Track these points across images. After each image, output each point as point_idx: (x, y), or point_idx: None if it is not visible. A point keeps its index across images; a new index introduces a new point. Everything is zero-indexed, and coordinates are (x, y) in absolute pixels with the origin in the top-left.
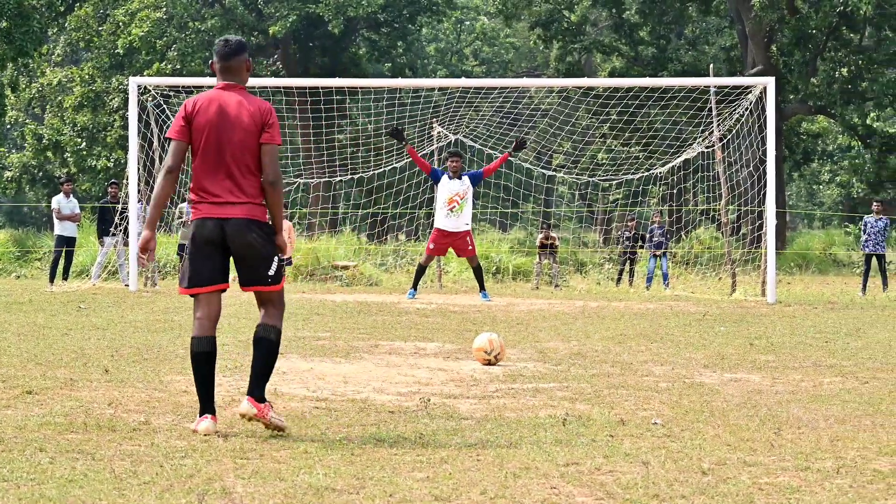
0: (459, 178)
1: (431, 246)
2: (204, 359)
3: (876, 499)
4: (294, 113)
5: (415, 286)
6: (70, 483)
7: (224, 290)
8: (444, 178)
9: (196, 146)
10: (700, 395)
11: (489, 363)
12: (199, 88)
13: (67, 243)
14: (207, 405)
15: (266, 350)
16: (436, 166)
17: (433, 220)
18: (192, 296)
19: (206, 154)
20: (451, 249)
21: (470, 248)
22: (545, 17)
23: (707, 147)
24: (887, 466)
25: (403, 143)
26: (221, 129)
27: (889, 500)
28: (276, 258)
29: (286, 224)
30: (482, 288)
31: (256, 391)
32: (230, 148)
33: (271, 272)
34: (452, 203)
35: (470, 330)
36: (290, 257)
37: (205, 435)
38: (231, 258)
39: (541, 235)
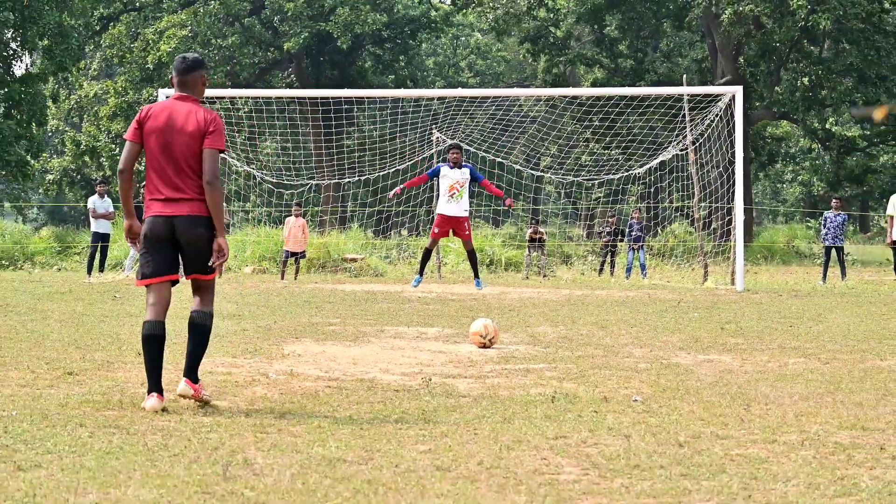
0: (460, 168)
1: (436, 230)
2: (155, 341)
3: (837, 468)
4: (307, 120)
5: (420, 272)
6: (107, 455)
7: (175, 282)
8: (445, 168)
9: (146, 149)
10: (676, 374)
11: (484, 346)
12: (221, 99)
13: (102, 239)
14: (155, 385)
15: (202, 334)
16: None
17: (433, 214)
18: (146, 286)
19: (154, 157)
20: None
21: (467, 232)
22: (533, 33)
23: (681, 150)
24: (847, 439)
25: (400, 193)
26: (168, 134)
27: (849, 470)
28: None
29: (300, 221)
30: (476, 275)
31: (192, 374)
32: (176, 151)
33: (210, 262)
34: (453, 190)
35: (467, 316)
36: (304, 251)
37: (153, 412)
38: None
39: (530, 230)
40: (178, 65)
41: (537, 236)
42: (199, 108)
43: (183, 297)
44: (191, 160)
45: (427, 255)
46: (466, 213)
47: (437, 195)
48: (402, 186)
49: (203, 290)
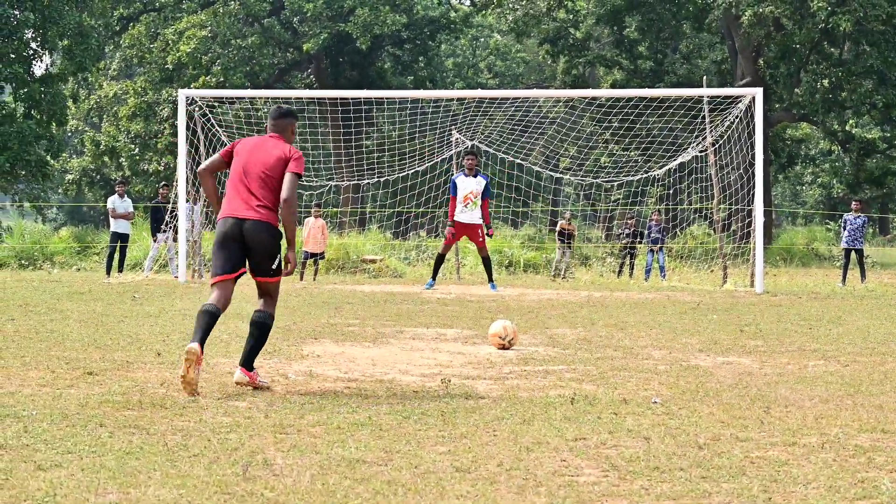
0: (475, 175)
1: (450, 236)
2: (208, 314)
3: (857, 471)
4: (326, 121)
5: (433, 276)
6: (127, 455)
7: (240, 276)
8: (460, 177)
9: (232, 167)
10: (695, 376)
11: (504, 347)
12: (241, 99)
13: (121, 239)
14: (199, 338)
15: (261, 330)
16: (453, 175)
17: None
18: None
19: (237, 172)
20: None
21: (481, 239)
22: (553, 34)
23: (700, 152)
24: (867, 442)
25: (455, 230)
26: (255, 155)
27: (870, 473)
28: (278, 257)
29: (319, 222)
30: (490, 279)
31: (248, 364)
32: (258, 169)
33: (273, 266)
34: (467, 200)
35: (485, 317)
36: (324, 252)
37: (186, 352)
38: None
39: (562, 221)
40: (273, 112)
41: (568, 229)
42: (285, 143)
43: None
44: (269, 179)
45: (440, 260)
46: (480, 221)
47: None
48: (450, 224)
49: (267, 293)
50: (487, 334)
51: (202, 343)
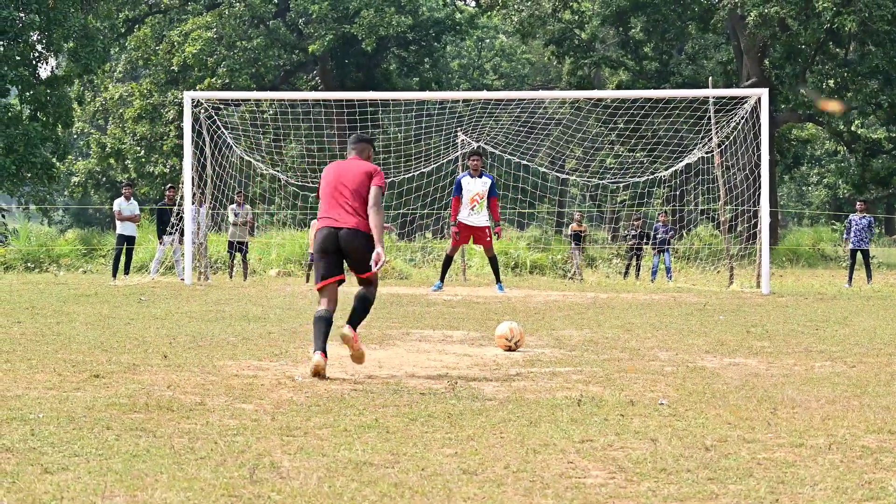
0: (480, 176)
1: (457, 237)
2: (325, 320)
3: (864, 472)
4: (332, 123)
5: (441, 279)
6: (134, 458)
7: (342, 282)
8: (466, 177)
9: (325, 185)
10: (702, 378)
11: (510, 349)
12: (246, 101)
13: (128, 241)
14: (321, 346)
15: (363, 304)
16: (457, 175)
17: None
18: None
19: (330, 188)
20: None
21: (488, 239)
22: (558, 36)
23: (706, 152)
24: (874, 443)
25: (458, 229)
26: (342, 175)
27: (876, 474)
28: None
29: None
30: (498, 280)
31: (355, 323)
32: (347, 185)
33: (370, 264)
34: (473, 202)
35: (492, 319)
36: None
37: (314, 365)
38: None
39: (574, 223)
40: (352, 139)
41: (581, 230)
42: (366, 161)
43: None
44: (358, 192)
45: (448, 261)
46: (488, 223)
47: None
48: (453, 223)
49: (367, 283)
50: (494, 336)
51: (324, 350)
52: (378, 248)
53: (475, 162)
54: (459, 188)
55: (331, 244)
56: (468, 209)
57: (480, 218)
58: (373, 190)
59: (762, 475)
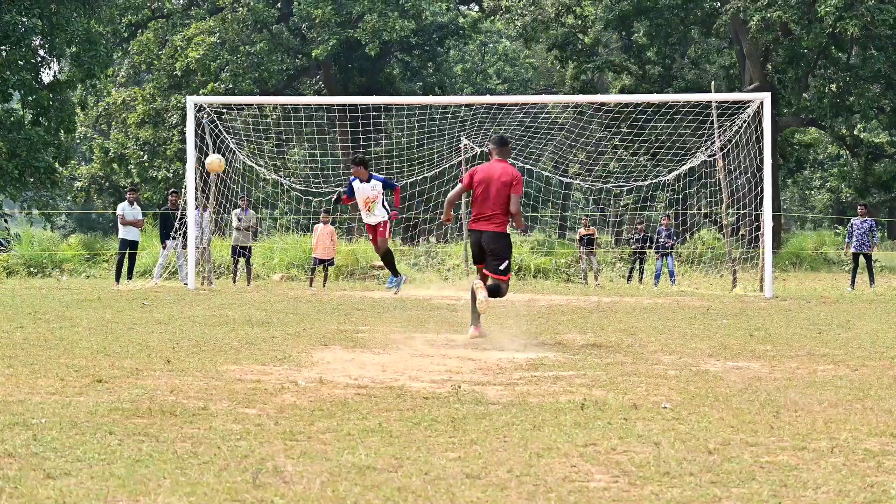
0: (368, 181)
1: (370, 237)
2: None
3: (867, 475)
4: (335, 127)
5: (395, 273)
6: (137, 463)
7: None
8: (356, 183)
9: (475, 190)
10: (705, 381)
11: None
12: (249, 106)
13: (131, 246)
14: (476, 320)
15: (495, 289)
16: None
17: (461, 224)
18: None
19: (479, 194)
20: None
21: (381, 229)
22: (561, 40)
23: (709, 156)
24: (877, 446)
25: (340, 201)
26: (489, 181)
27: (879, 477)
28: (509, 258)
29: (329, 228)
30: (394, 273)
31: (478, 321)
32: (492, 192)
33: (502, 267)
34: (367, 205)
35: (496, 323)
36: (333, 258)
37: (471, 338)
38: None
39: (581, 228)
40: (497, 140)
41: (588, 233)
42: (509, 166)
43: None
44: (499, 197)
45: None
46: (384, 219)
47: (463, 203)
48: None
49: (502, 284)
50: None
51: (476, 324)
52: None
53: (356, 170)
54: (351, 191)
55: (477, 243)
56: (364, 212)
57: (375, 218)
58: (514, 199)
59: (765, 478)
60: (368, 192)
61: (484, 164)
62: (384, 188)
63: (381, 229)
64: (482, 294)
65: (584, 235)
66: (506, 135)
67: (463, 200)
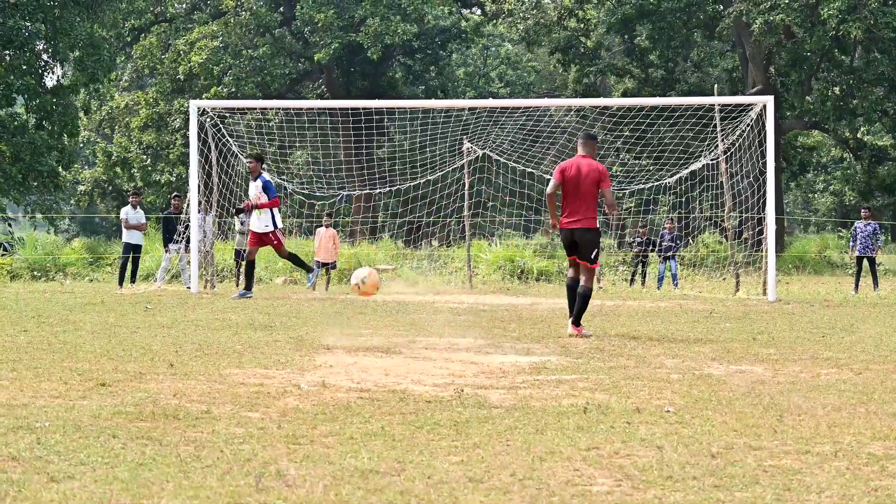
0: (255, 180)
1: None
2: (572, 288)
3: (871, 479)
4: (338, 131)
5: (248, 287)
6: (140, 466)
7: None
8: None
9: (564, 187)
10: (708, 385)
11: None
12: (252, 110)
13: (134, 250)
14: (575, 318)
15: (584, 299)
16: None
17: (462, 226)
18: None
19: (569, 192)
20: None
21: (276, 242)
22: (564, 43)
23: (712, 160)
24: (881, 450)
25: (244, 210)
26: (578, 178)
27: (883, 481)
28: (597, 249)
29: (331, 231)
30: (244, 286)
31: (577, 320)
32: (582, 189)
33: (592, 256)
34: (252, 204)
35: (498, 327)
36: (335, 261)
37: (569, 336)
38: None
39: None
40: (583, 135)
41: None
42: (594, 161)
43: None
44: (590, 192)
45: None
46: (269, 229)
47: (464, 205)
48: (247, 203)
49: (586, 272)
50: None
51: (577, 322)
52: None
53: (251, 164)
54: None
55: (569, 237)
56: (255, 212)
57: (261, 223)
58: (608, 192)
59: (768, 482)
60: (254, 191)
61: (570, 160)
62: (264, 191)
63: (275, 242)
64: (572, 331)
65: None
66: (592, 131)
67: (466, 202)
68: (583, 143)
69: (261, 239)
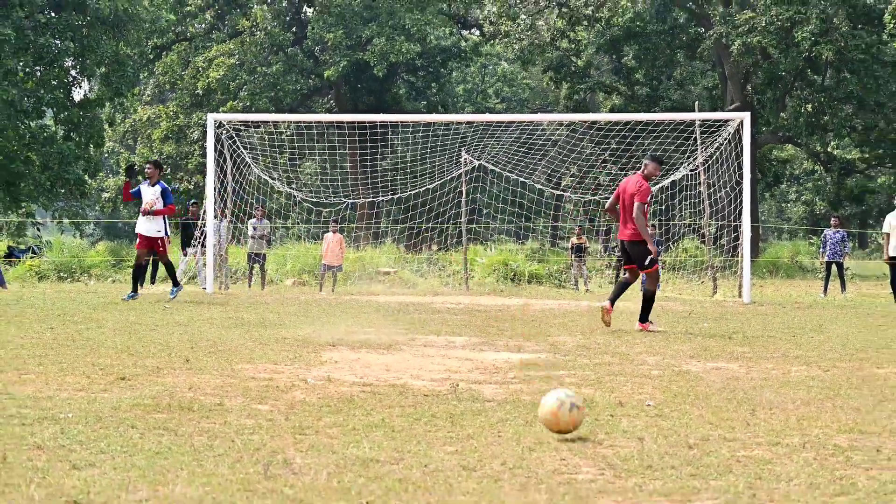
0: (153, 186)
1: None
2: (624, 286)
3: (836, 469)
4: (345, 143)
5: (175, 283)
6: (156, 455)
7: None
8: (145, 185)
9: (620, 201)
10: (686, 381)
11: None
12: (265, 123)
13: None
14: (611, 297)
15: (647, 298)
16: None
17: (460, 230)
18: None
19: (622, 206)
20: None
21: (161, 249)
22: (556, 62)
23: (692, 170)
24: (846, 442)
25: (130, 178)
26: (625, 193)
27: (847, 471)
28: (647, 256)
29: (337, 237)
30: (175, 283)
31: (643, 316)
32: (626, 202)
33: (645, 263)
34: (147, 209)
35: (493, 326)
36: (341, 265)
37: (636, 331)
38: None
39: (574, 238)
40: (648, 156)
41: (579, 242)
42: (638, 177)
43: (251, 301)
44: (629, 208)
45: (139, 270)
46: (160, 235)
47: (461, 210)
48: (126, 184)
49: (647, 277)
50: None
51: (612, 302)
52: (649, 246)
53: (149, 170)
54: (138, 193)
55: (622, 247)
56: (143, 217)
57: (153, 227)
58: (636, 206)
59: (741, 471)
60: (150, 196)
61: (627, 177)
62: (162, 196)
63: (159, 249)
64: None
65: (575, 244)
66: (657, 153)
67: (463, 209)
68: (645, 162)
69: (150, 243)
